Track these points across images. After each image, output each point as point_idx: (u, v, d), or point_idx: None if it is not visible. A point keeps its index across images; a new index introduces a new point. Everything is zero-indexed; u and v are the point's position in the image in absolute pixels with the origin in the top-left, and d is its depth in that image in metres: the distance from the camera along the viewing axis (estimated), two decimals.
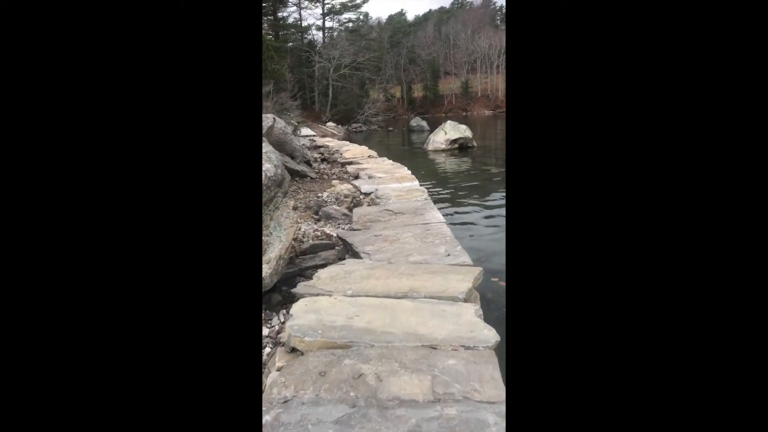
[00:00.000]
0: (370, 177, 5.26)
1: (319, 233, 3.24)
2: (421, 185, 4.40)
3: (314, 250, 2.79)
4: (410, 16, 59.50)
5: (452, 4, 58.06)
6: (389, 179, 4.72)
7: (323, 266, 2.53)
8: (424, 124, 21.20)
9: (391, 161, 6.34)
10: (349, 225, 3.33)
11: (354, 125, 24.47)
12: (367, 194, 4.33)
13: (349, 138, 19.09)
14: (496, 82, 41.92)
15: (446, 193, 6.37)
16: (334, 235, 3.06)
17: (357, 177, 5.81)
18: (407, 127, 22.21)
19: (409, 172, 5.08)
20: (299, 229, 3.37)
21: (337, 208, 3.74)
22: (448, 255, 2.27)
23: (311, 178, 5.70)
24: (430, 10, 57.91)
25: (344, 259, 2.60)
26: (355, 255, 2.47)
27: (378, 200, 3.82)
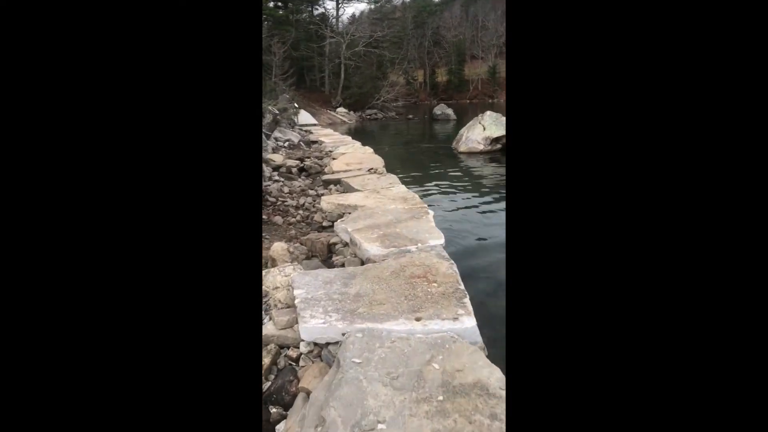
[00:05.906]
0: (351, 241, 2.36)
1: None
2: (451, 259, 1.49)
3: None
4: None
5: None
6: (387, 277, 1.78)
7: None
8: (450, 112, 17.98)
9: (405, 189, 3.42)
10: None
11: (368, 111, 21.28)
12: (316, 354, 1.44)
13: (363, 127, 16.18)
14: None
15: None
16: None
17: (332, 225, 2.92)
18: (430, 116, 18.98)
19: (441, 240, 2.14)
20: None
21: None
22: None
23: None
24: None
25: None
26: None
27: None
